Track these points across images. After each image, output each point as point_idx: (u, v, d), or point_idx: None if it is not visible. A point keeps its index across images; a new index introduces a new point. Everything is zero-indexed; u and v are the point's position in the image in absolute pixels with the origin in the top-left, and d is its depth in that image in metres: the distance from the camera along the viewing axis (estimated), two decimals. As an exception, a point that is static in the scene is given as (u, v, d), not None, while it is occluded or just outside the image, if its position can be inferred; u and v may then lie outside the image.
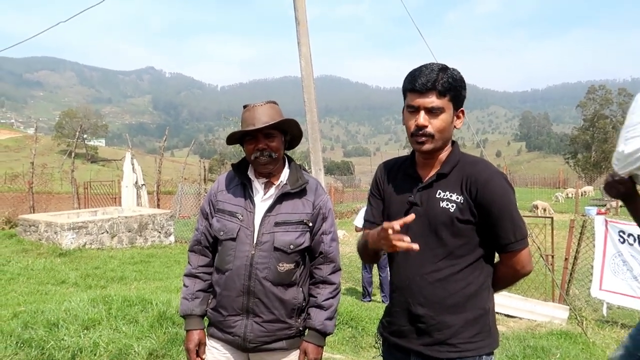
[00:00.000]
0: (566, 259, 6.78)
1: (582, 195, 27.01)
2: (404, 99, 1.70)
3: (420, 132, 1.63)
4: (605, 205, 22.37)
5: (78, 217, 11.34)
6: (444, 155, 1.72)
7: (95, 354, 3.62)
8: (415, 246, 1.50)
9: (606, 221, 6.41)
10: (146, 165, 24.93)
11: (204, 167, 25.75)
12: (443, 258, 1.65)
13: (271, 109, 2.03)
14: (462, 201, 1.63)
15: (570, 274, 6.75)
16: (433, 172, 1.72)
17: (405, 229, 1.71)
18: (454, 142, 1.76)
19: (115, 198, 17.11)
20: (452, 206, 1.64)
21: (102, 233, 10.73)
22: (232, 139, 2.08)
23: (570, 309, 6.23)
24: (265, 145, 1.99)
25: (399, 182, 1.79)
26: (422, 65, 1.66)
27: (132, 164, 14.15)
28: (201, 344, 2.08)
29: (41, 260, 8.71)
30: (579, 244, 6.71)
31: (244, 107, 2.08)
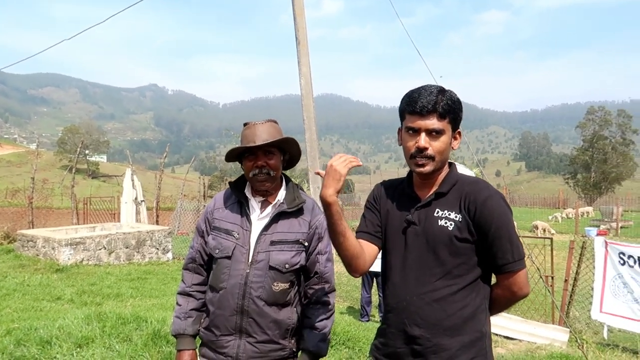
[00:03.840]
0: (566, 280, 6.71)
1: (582, 215, 26.95)
2: (402, 120, 1.71)
3: (421, 154, 1.63)
4: (605, 225, 22.31)
5: (76, 233, 11.29)
6: (441, 175, 1.72)
7: (87, 373, 3.57)
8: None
9: (606, 242, 6.36)
10: (147, 182, 24.96)
11: (204, 183, 25.82)
12: (441, 277, 1.63)
13: (271, 127, 2.04)
14: (460, 219, 1.63)
15: (571, 295, 6.67)
16: (431, 192, 1.72)
17: (403, 247, 1.70)
18: (451, 164, 1.76)
19: (114, 214, 17.06)
20: (451, 224, 1.63)
21: (100, 249, 10.68)
22: (231, 156, 2.08)
23: (571, 332, 6.14)
24: (264, 162, 1.98)
25: (396, 202, 1.78)
26: (421, 87, 1.66)
27: (132, 180, 14.17)
28: (193, 365, 2.04)
29: (38, 276, 8.65)
30: (579, 265, 6.64)
31: (244, 124, 2.08)
